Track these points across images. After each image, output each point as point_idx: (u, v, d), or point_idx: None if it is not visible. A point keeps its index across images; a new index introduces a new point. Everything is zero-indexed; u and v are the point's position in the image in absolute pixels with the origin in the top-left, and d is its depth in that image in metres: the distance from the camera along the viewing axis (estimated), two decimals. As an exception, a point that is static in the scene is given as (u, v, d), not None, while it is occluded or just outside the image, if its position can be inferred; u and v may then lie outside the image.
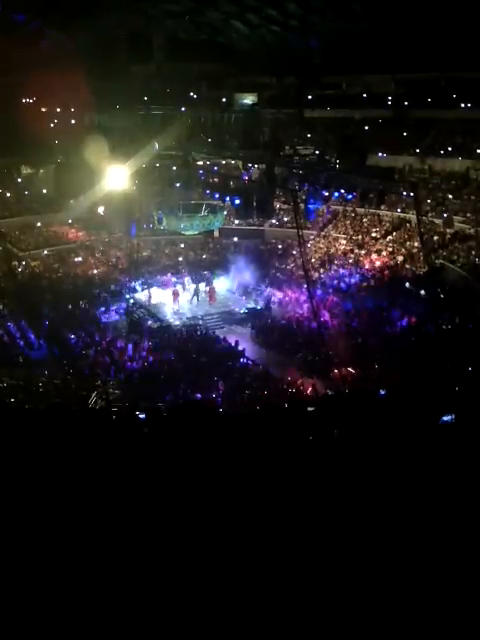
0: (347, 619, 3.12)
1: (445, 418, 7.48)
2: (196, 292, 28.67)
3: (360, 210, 35.15)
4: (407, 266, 29.30)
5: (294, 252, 32.92)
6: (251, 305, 27.99)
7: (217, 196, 29.04)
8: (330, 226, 36.12)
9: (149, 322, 26.03)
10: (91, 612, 3.18)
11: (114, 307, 27.08)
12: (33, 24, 36.15)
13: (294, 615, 3.17)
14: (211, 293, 28.63)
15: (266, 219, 35.52)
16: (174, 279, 30.27)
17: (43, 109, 43.26)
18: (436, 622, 3.08)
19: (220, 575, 3.49)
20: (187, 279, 30.14)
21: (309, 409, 8.01)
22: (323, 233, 35.67)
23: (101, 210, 34.67)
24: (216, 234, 35.89)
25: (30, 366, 19.53)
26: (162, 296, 28.92)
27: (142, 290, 29.38)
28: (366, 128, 39.59)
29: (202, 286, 29.22)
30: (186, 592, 3.35)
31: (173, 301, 27.98)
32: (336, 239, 34.71)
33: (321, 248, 34.35)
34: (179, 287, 29.23)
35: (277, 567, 3.55)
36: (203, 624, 3.12)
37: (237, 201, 26.73)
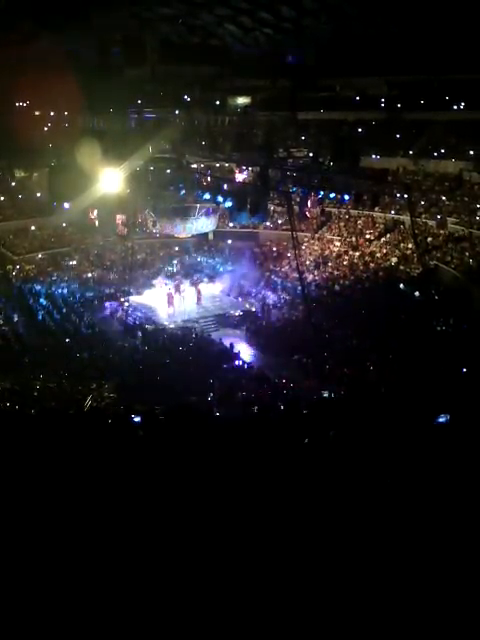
0: (345, 618, 3.12)
1: (440, 419, 7.52)
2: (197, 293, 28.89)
3: (354, 212, 35.23)
4: (401, 267, 29.38)
5: (288, 254, 32.96)
6: (246, 307, 27.97)
7: (211, 198, 29.00)
8: (324, 228, 36.19)
9: (144, 325, 25.98)
10: (87, 612, 3.17)
11: (109, 310, 27.03)
12: (26, 27, 36.07)
13: (292, 615, 3.17)
14: (198, 293, 28.73)
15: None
16: (168, 282, 30.22)
17: (36, 112, 43.20)
18: (433, 620, 3.08)
19: (217, 577, 3.49)
20: (182, 285, 30.07)
21: (304, 411, 8.02)
22: (317, 235, 35.73)
23: (95, 213, 34.56)
24: (210, 237, 35.88)
25: (25, 369, 19.43)
26: (157, 299, 28.87)
27: (137, 293, 29.33)
28: (360, 130, 39.72)
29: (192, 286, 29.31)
30: (183, 594, 3.34)
31: (168, 304, 27.93)
32: (330, 241, 34.78)
33: (316, 250, 34.40)
34: (173, 289, 29.17)
35: (274, 567, 3.55)
36: (197, 626, 3.11)
37: (231, 204, 26.70)
